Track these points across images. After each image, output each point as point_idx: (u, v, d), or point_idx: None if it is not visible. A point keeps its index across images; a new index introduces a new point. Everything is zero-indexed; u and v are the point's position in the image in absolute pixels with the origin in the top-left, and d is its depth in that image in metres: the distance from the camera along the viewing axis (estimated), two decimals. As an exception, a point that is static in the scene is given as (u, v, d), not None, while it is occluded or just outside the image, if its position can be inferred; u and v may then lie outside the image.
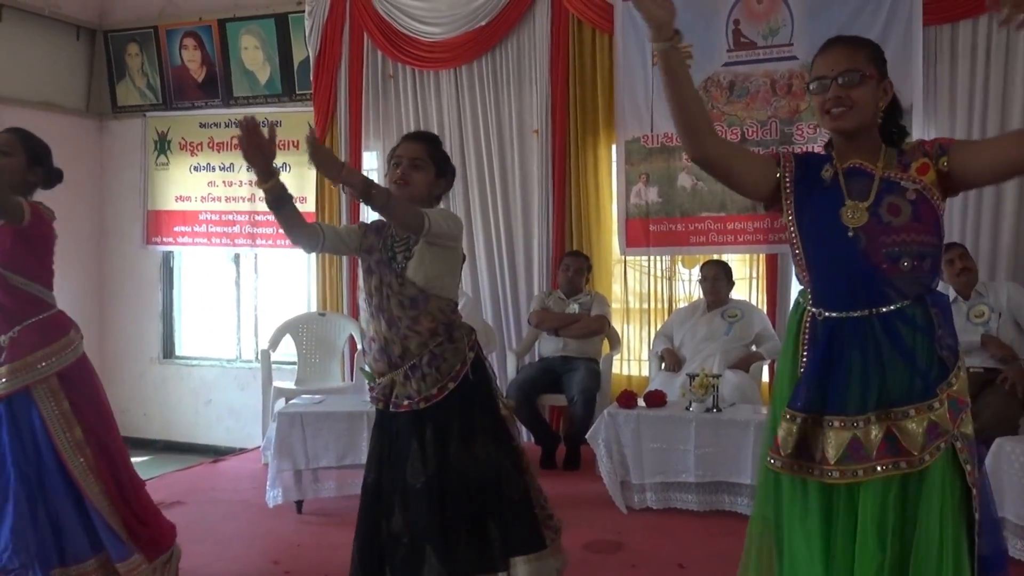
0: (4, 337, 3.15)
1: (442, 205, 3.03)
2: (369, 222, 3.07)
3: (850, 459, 2.02)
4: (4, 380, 3.14)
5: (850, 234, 2.06)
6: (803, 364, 2.13)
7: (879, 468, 2.01)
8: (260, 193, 2.67)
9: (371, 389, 2.88)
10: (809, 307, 2.16)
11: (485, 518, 2.79)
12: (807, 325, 2.14)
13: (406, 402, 2.78)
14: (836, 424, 2.03)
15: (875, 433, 2.02)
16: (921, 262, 2.06)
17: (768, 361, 5.27)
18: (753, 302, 5.68)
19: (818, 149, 5.72)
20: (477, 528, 2.77)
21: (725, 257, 5.62)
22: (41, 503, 3.17)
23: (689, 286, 5.94)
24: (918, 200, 2.06)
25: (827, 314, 2.10)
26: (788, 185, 2.18)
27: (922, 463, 2.00)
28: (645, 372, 5.80)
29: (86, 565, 3.22)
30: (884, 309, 2.05)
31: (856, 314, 2.06)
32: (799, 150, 5.40)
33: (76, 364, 3.33)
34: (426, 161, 2.86)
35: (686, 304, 5.79)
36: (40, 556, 3.14)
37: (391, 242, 2.83)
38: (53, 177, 3.37)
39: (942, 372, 2.06)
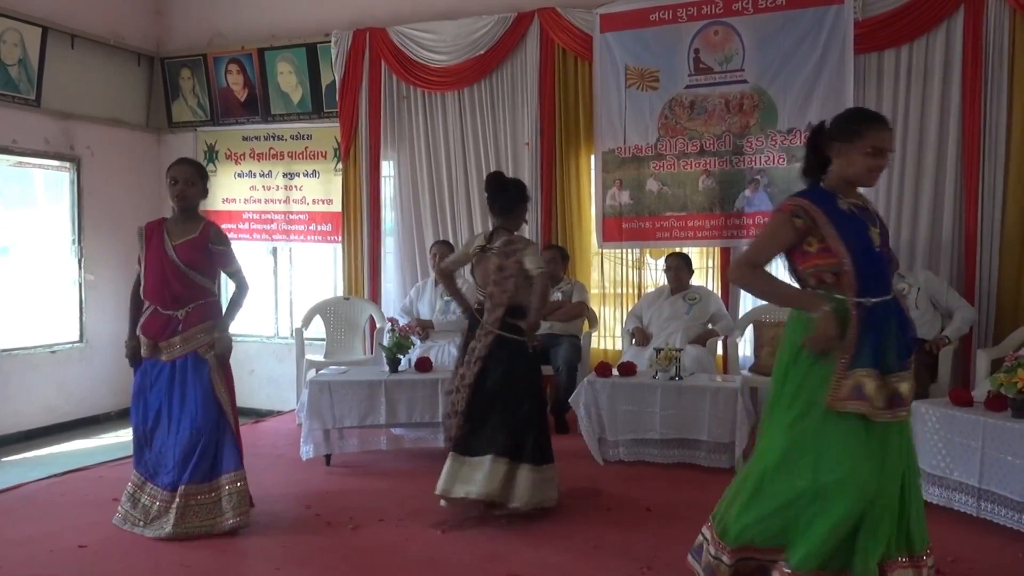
0: (182, 311, 3.58)
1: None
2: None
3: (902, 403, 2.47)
4: (178, 347, 3.56)
5: (876, 248, 2.49)
6: (855, 338, 2.40)
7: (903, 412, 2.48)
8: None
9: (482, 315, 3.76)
10: (854, 299, 2.43)
11: (527, 425, 3.58)
12: (857, 313, 2.42)
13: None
14: (906, 376, 2.46)
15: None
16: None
17: (722, 337, 5.27)
18: (710, 288, 5.67)
19: (764, 159, 5.73)
20: (518, 427, 3.56)
21: (686, 250, 5.59)
22: (201, 437, 3.52)
23: (656, 274, 5.93)
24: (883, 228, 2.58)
25: (874, 301, 2.44)
26: (825, 223, 2.45)
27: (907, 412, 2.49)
28: (619, 346, 5.79)
29: (203, 486, 3.51)
30: (893, 293, 2.51)
31: (888, 298, 2.47)
32: (749, 160, 5.43)
33: None
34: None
35: (653, 289, 5.77)
36: (178, 473, 3.51)
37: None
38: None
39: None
